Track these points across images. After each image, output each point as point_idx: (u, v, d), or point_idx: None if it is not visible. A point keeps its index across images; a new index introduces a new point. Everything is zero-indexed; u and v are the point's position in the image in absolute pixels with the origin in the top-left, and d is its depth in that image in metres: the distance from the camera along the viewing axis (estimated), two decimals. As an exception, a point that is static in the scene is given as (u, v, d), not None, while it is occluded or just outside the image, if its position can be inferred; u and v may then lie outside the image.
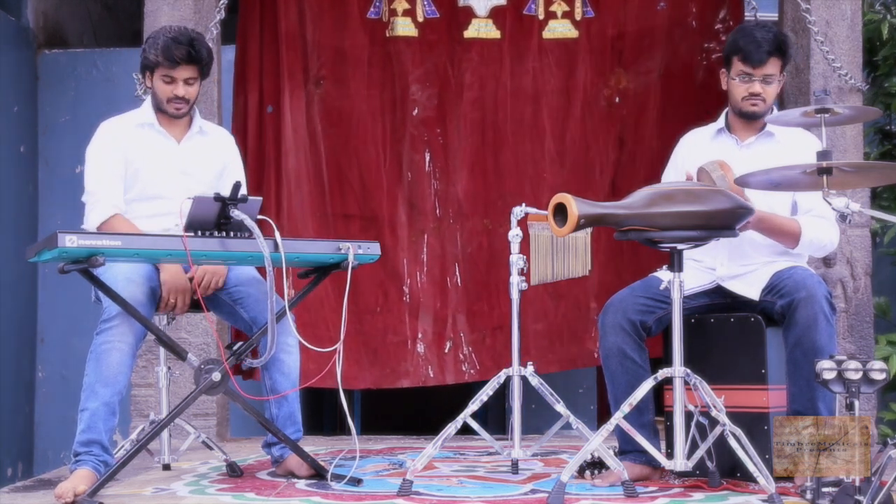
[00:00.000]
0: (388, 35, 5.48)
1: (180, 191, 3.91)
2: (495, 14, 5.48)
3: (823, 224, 3.73)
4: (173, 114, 3.98)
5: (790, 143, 3.79)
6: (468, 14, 5.48)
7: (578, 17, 5.47)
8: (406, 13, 5.45)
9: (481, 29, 5.49)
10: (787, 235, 3.73)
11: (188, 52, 3.90)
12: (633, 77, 5.54)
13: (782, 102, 5.15)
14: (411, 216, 5.51)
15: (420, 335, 5.49)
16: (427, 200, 5.51)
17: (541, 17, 5.48)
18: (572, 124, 5.52)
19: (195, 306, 3.85)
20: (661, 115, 5.48)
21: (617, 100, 5.40)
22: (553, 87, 5.51)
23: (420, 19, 5.47)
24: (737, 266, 3.82)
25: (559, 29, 5.49)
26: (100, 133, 4.01)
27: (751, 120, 3.85)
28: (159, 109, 4.01)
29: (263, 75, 5.47)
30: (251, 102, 5.46)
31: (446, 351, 5.49)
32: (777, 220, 3.73)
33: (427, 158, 5.52)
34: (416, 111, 5.50)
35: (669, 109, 5.46)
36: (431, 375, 5.49)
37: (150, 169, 3.96)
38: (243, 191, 3.53)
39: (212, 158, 4.06)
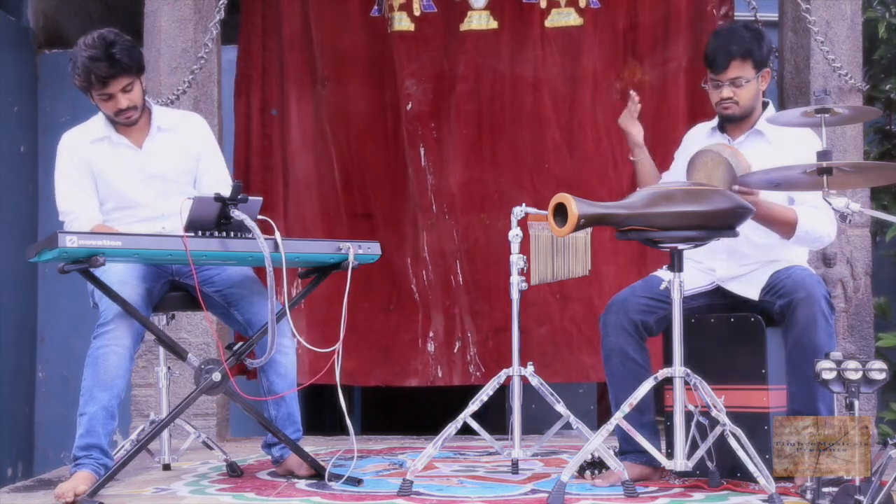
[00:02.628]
0: (388, 31, 5.46)
1: (154, 195, 3.90)
2: (492, 5, 5.44)
3: (820, 216, 3.71)
4: (125, 123, 3.90)
5: (782, 141, 3.78)
6: (465, 7, 5.45)
7: (583, 4, 5.41)
8: (402, 7, 5.42)
9: (475, 21, 5.45)
10: (783, 224, 3.71)
11: (109, 66, 3.75)
12: (650, 69, 5.42)
13: (783, 103, 5.15)
14: (415, 213, 5.50)
15: (431, 334, 5.48)
16: (424, 196, 5.49)
17: (543, 5, 5.42)
18: (580, 114, 5.45)
19: (194, 305, 3.85)
20: (688, 110, 5.32)
21: (631, 92, 5.33)
22: (557, 75, 5.43)
23: (417, 13, 5.44)
24: (736, 266, 3.82)
25: (563, 17, 5.43)
26: (62, 150, 3.94)
27: (732, 122, 3.86)
28: (113, 120, 3.93)
29: (266, 77, 5.46)
30: (254, 104, 5.45)
31: (455, 351, 5.47)
32: (774, 208, 3.71)
33: (422, 153, 5.50)
34: (409, 105, 5.47)
35: (697, 104, 5.25)
36: (440, 375, 5.46)
37: (120, 180, 3.90)
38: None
39: (180, 154, 3.99)
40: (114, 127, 3.94)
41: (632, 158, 3.97)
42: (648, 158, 3.97)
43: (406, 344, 5.47)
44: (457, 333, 5.47)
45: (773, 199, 3.76)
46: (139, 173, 3.92)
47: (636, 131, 3.93)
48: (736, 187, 3.56)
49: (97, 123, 3.97)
